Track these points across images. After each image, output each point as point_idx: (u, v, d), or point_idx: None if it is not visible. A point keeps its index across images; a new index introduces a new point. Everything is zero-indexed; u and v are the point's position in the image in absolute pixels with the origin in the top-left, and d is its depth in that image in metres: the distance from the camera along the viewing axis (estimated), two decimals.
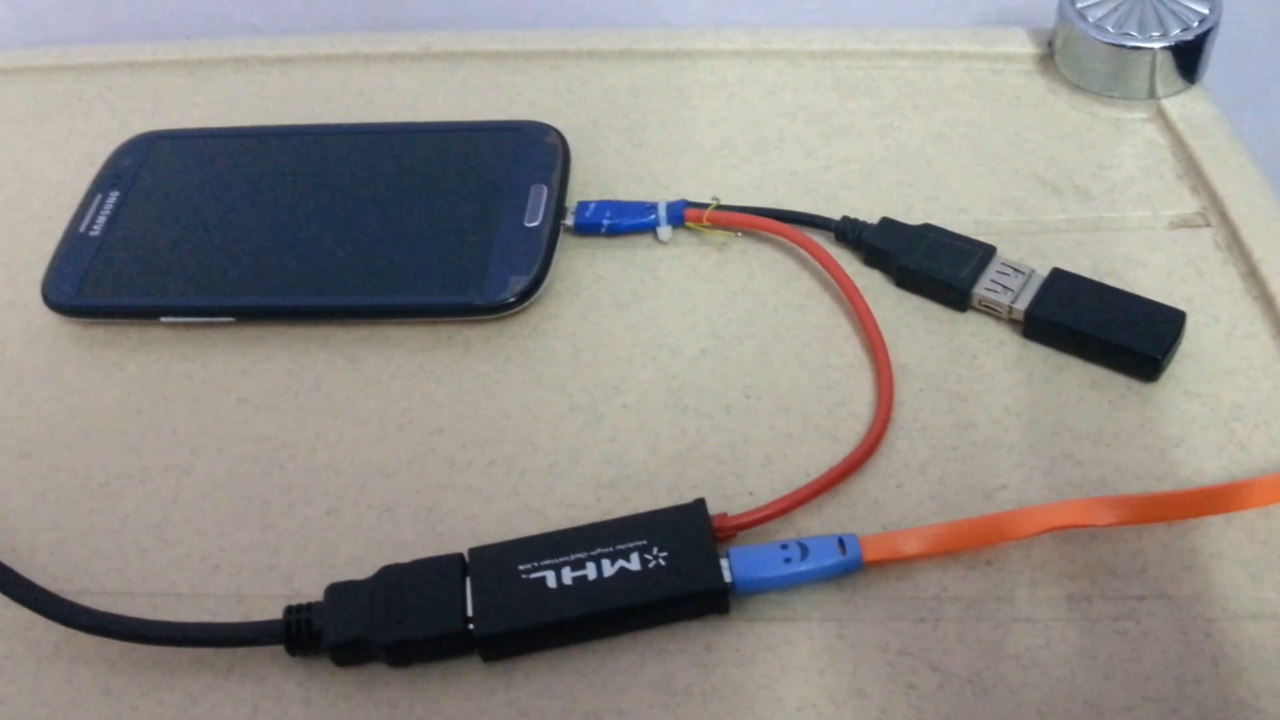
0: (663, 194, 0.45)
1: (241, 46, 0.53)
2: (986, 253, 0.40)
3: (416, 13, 0.56)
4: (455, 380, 0.40)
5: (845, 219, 0.42)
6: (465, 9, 0.55)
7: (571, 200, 0.44)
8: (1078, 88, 0.48)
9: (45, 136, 0.50)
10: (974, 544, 0.34)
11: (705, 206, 0.43)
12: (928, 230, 0.41)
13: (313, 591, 0.34)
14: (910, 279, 0.41)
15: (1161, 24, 0.45)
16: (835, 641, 0.33)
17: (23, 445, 0.39)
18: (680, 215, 0.43)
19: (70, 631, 0.34)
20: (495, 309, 0.40)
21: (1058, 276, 0.39)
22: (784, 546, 0.33)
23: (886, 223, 0.42)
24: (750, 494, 0.36)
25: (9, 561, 0.35)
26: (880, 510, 0.35)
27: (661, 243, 0.43)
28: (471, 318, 0.41)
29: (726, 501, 0.36)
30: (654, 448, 0.37)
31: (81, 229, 0.44)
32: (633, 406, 0.39)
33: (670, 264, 0.43)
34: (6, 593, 0.34)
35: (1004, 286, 0.39)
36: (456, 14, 0.56)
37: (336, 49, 0.53)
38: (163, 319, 0.41)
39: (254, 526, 0.36)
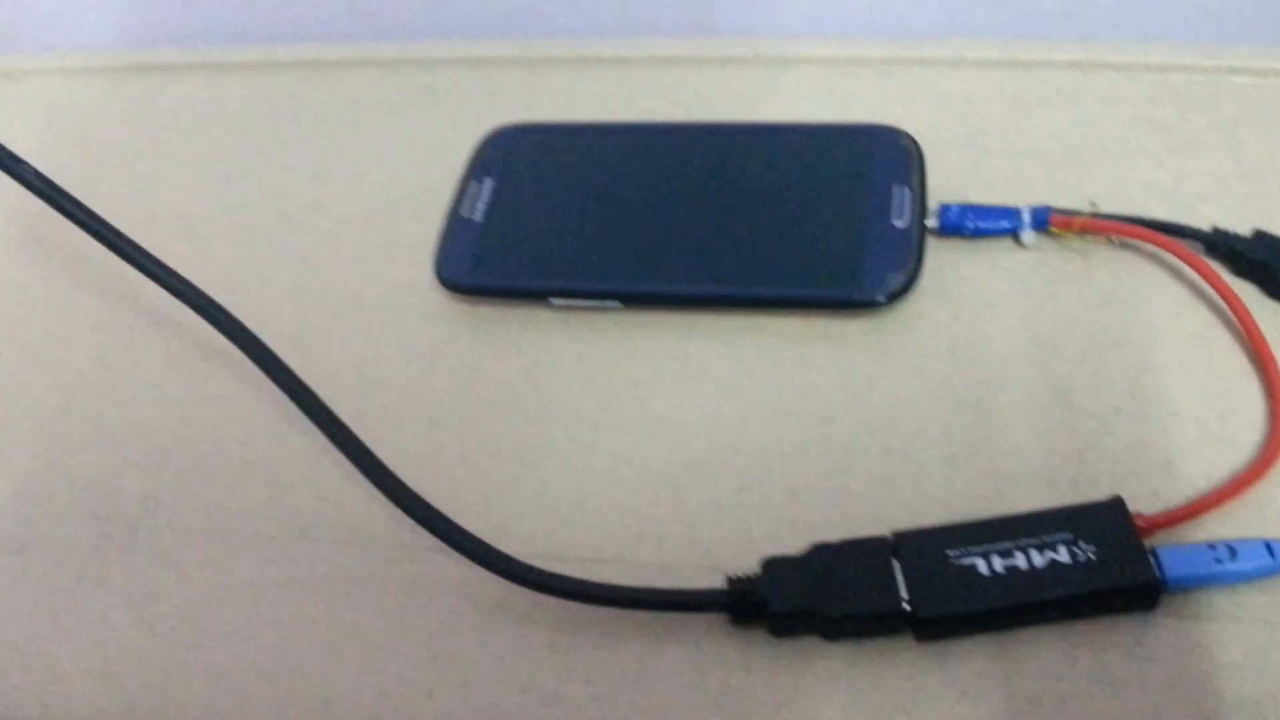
0: (1011, 199, 0.45)
1: (580, 47, 0.55)
2: None
3: (731, 20, 0.57)
4: (837, 371, 0.41)
5: (1215, 230, 0.42)
6: (780, 19, 0.57)
7: (930, 202, 0.45)
8: None
9: (403, 127, 0.52)
10: None
11: (1070, 213, 0.43)
12: None
13: (733, 564, 0.35)
14: None
15: None
16: (1267, 643, 0.33)
17: (432, 413, 0.41)
18: (1045, 220, 0.44)
19: (508, 589, 0.35)
20: (871, 304, 0.41)
21: None
22: (1212, 547, 0.34)
23: (1261, 235, 0.42)
24: (1155, 494, 0.36)
25: None
26: None
27: (1023, 247, 0.44)
28: (846, 312, 0.42)
29: (1132, 502, 0.36)
30: (1049, 445, 0.38)
31: (463, 213, 0.46)
32: (1019, 403, 0.39)
33: (1034, 268, 0.43)
34: (460, 549, 0.35)
35: None
36: (767, 22, 0.57)
37: (671, 51, 0.54)
38: (553, 300, 0.43)
39: (667, 501, 0.38)
